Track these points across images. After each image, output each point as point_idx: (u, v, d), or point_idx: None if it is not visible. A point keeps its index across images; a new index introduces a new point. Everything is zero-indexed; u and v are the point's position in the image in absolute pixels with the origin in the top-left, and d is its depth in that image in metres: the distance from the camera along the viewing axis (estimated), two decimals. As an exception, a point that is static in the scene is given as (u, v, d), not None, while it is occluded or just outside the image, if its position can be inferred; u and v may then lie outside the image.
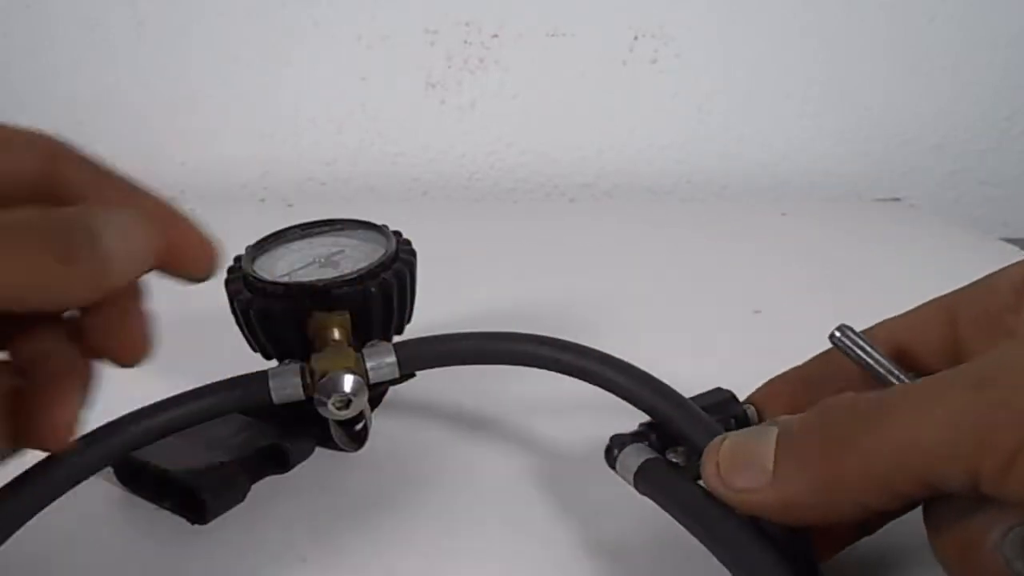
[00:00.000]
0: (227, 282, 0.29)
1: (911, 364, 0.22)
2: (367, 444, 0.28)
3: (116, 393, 0.22)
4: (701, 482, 0.21)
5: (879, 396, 0.18)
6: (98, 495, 0.26)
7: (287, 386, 0.25)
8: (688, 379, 0.27)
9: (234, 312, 0.29)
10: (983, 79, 0.70)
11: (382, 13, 0.64)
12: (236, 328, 0.29)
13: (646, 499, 0.23)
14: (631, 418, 0.25)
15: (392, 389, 0.31)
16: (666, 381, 0.25)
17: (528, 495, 0.27)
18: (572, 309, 0.41)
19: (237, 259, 0.30)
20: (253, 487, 0.27)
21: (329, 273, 0.28)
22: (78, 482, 0.22)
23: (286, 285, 0.27)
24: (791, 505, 0.18)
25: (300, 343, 0.27)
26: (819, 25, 0.67)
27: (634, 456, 0.23)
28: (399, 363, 0.25)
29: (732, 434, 0.21)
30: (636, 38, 0.66)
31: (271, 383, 0.25)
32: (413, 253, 0.30)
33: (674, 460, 0.23)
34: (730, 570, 0.20)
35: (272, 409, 0.26)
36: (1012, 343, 0.19)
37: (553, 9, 0.65)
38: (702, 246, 0.55)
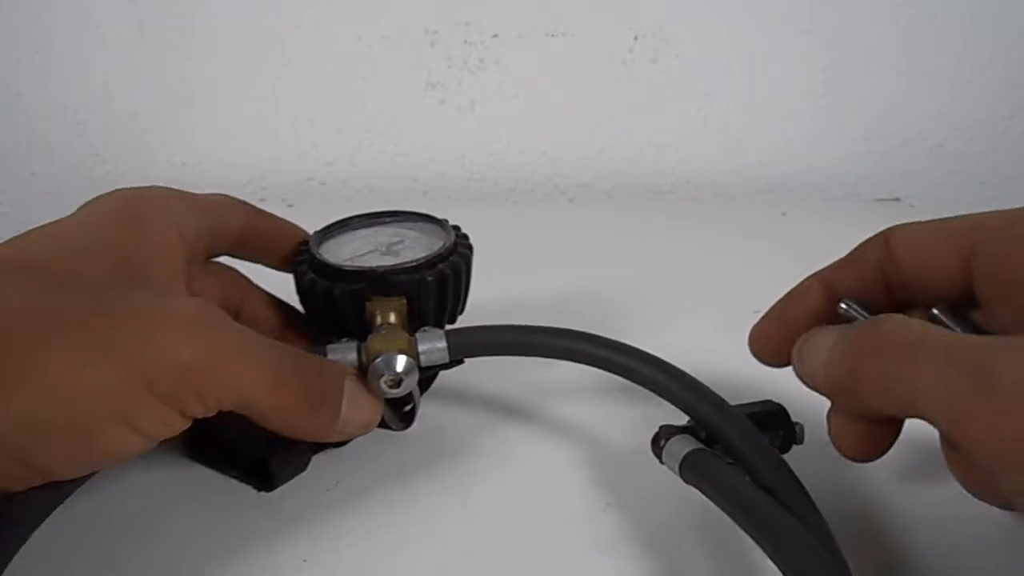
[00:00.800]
0: (294, 263, 0.31)
1: (924, 290, 0.23)
2: (413, 425, 0.30)
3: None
4: None
5: (908, 340, 0.20)
6: (168, 464, 0.28)
7: (343, 362, 0.26)
8: (688, 379, 0.27)
9: (299, 291, 0.31)
10: (983, 79, 0.70)
11: (382, 13, 0.64)
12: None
13: (681, 490, 0.23)
14: (668, 413, 0.26)
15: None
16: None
17: (535, 501, 0.28)
18: (572, 309, 0.41)
19: (304, 242, 0.32)
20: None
21: (389, 261, 0.30)
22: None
23: (349, 269, 0.29)
24: (833, 392, 0.22)
25: (358, 324, 0.29)
26: (819, 25, 0.67)
27: (680, 446, 0.24)
28: (449, 349, 0.27)
29: (813, 330, 0.24)
30: (636, 38, 0.66)
31: (329, 358, 0.26)
32: (470, 247, 0.32)
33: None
34: (772, 558, 0.21)
35: None
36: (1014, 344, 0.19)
37: (553, 9, 0.65)
38: (702, 246, 0.55)
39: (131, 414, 0.20)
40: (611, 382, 0.28)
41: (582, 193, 0.70)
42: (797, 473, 0.24)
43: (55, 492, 0.21)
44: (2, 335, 0.20)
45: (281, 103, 0.66)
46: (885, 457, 0.22)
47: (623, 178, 0.70)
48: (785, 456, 0.25)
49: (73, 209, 0.27)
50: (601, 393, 0.32)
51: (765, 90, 0.69)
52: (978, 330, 0.22)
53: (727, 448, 0.24)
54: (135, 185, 0.29)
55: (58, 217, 0.26)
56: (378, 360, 0.26)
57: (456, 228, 0.33)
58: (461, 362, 0.29)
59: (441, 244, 0.31)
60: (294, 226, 0.32)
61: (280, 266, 0.32)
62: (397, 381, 0.26)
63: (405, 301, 0.29)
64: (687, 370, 0.27)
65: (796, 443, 0.27)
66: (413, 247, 0.31)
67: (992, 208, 0.23)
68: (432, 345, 0.27)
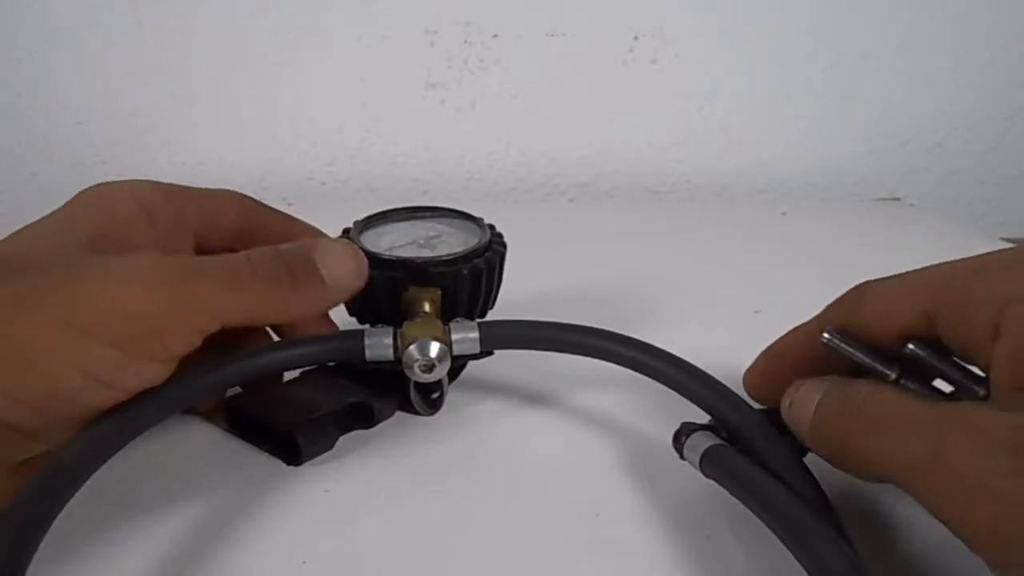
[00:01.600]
0: None
1: (892, 346, 0.24)
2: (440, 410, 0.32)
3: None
4: None
5: (875, 411, 0.21)
6: (211, 436, 0.30)
7: (379, 346, 0.28)
8: (688, 379, 0.27)
9: None
10: (983, 79, 0.70)
11: (382, 13, 0.64)
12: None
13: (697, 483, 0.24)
14: (689, 410, 0.27)
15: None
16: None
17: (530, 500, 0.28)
18: (571, 309, 0.41)
19: (346, 231, 0.33)
20: (260, 491, 0.28)
21: (426, 253, 0.31)
22: (195, 400, 0.27)
23: (388, 258, 0.30)
24: (821, 451, 0.23)
25: (394, 311, 0.30)
26: (819, 25, 0.67)
27: (701, 441, 0.25)
28: (480, 339, 0.29)
29: (800, 383, 0.25)
30: (636, 38, 0.66)
31: (366, 341, 0.28)
32: (504, 245, 0.33)
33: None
34: (793, 552, 0.21)
35: (361, 372, 0.30)
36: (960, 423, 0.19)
37: (553, 9, 0.65)
38: (702, 246, 0.55)
39: (85, 364, 0.22)
40: (633, 378, 0.29)
41: (582, 193, 0.70)
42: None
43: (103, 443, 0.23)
44: None
45: (281, 103, 0.66)
46: None
47: (623, 178, 0.70)
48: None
49: None
50: (622, 389, 0.33)
51: (765, 90, 0.69)
52: (955, 364, 0.23)
53: (748, 447, 0.25)
54: None
55: None
56: (412, 346, 0.27)
57: (491, 227, 0.34)
58: (491, 353, 0.30)
59: (477, 240, 0.32)
60: (306, 225, 0.33)
61: None
62: (430, 366, 0.27)
63: (440, 292, 0.30)
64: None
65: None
66: (449, 242, 0.32)
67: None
68: (465, 335, 0.28)
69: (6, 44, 0.64)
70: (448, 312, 0.30)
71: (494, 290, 0.33)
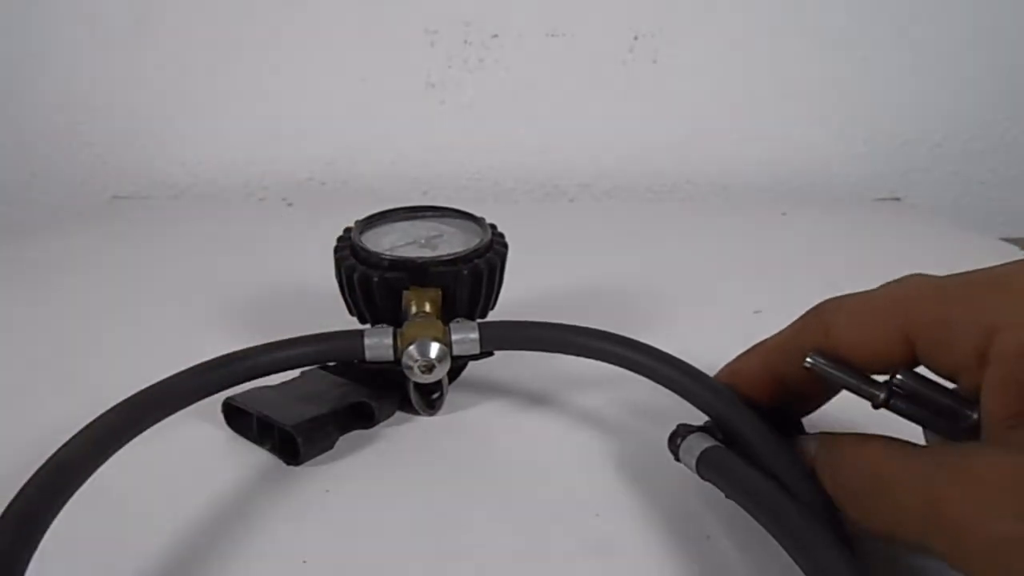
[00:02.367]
0: (336, 249, 0.32)
1: (867, 367, 0.23)
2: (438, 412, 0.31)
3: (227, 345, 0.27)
4: None
5: (865, 473, 0.21)
6: (211, 435, 0.30)
7: (379, 346, 0.28)
8: (688, 379, 0.27)
9: (339, 277, 0.32)
10: (983, 79, 0.70)
11: (382, 13, 0.64)
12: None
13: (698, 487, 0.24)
14: (686, 410, 0.27)
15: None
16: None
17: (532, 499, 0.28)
18: (572, 310, 0.41)
19: (347, 230, 0.33)
20: (258, 493, 0.28)
21: (427, 253, 0.31)
22: (190, 403, 0.26)
23: (389, 258, 0.30)
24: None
25: (394, 311, 0.30)
26: (819, 25, 0.67)
27: (697, 443, 0.25)
28: (481, 340, 0.28)
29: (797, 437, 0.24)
30: (636, 38, 0.66)
31: (366, 341, 0.28)
32: (505, 246, 0.33)
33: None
34: (791, 554, 0.21)
35: (361, 372, 0.30)
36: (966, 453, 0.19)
37: (553, 9, 0.65)
38: (702, 246, 0.55)
39: None
40: (632, 379, 0.28)
41: (582, 193, 0.70)
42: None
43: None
44: None
45: (281, 103, 0.66)
46: None
47: (623, 178, 0.70)
48: None
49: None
50: (622, 389, 0.33)
51: (765, 90, 0.69)
52: (944, 391, 0.22)
53: (745, 449, 0.24)
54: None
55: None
56: (412, 346, 0.27)
57: (493, 226, 0.33)
58: (491, 354, 0.30)
59: (478, 241, 0.32)
60: None
61: None
62: (430, 367, 0.27)
63: (440, 292, 0.30)
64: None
65: None
66: (450, 242, 0.32)
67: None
68: (465, 335, 0.28)
69: (5, 44, 0.64)
70: (449, 312, 0.30)
71: (495, 290, 0.32)
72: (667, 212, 0.65)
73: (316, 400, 0.30)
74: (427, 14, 0.65)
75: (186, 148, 0.67)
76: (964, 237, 0.59)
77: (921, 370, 0.22)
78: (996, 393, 0.19)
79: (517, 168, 0.69)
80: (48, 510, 0.20)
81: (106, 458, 0.23)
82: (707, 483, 0.24)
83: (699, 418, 0.27)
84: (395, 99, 0.67)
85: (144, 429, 0.24)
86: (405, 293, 0.30)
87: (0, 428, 0.31)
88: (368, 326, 0.30)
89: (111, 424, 0.23)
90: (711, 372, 0.27)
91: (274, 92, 0.66)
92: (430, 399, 0.31)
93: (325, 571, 0.24)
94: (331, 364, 0.32)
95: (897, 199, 0.69)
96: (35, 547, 0.19)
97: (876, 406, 0.23)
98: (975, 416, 0.21)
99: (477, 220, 0.34)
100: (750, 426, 0.25)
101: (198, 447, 0.30)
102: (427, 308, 0.29)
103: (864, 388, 0.23)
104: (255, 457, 0.29)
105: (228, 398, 0.30)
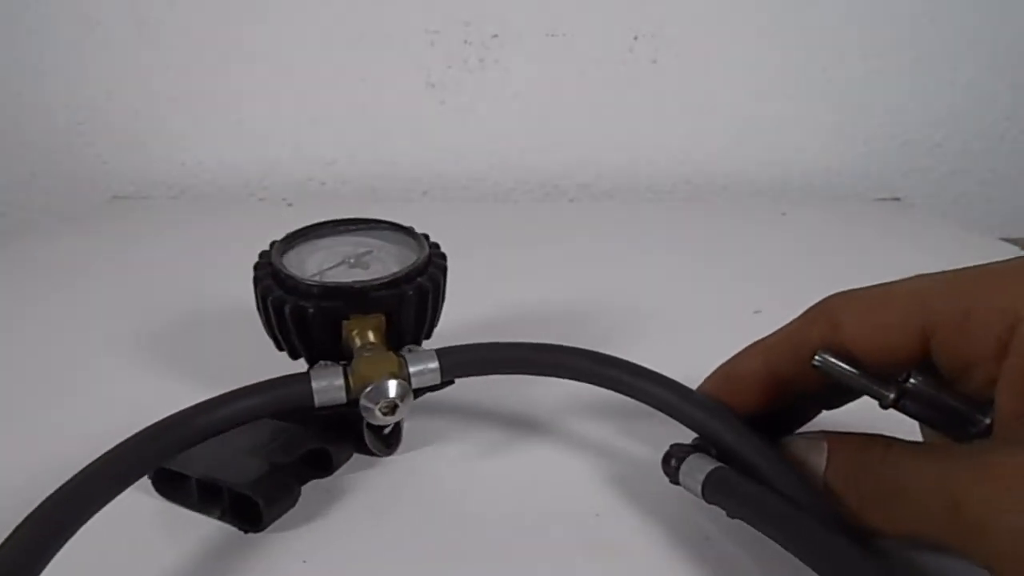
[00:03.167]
0: (256, 279, 0.29)
1: (877, 364, 0.22)
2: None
3: (135, 399, 0.22)
4: None
5: (887, 475, 0.20)
6: (136, 507, 0.25)
7: (329, 389, 0.24)
8: (688, 380, 0.27)
9: (264, 311, 0.28)
10: (983, 79, 0.70)
11: (382, 13, 0.64)
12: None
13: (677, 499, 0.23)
14: (664, 424, 0.25)
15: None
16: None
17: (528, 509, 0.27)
18: (572, 310, 0.41)
19: (263, 254, 0.29)
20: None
21: (360, 274, 0.28)
22: (122, 490, 0.21)
23: (322, 286, 0.27)
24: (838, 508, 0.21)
25: (334, 344, 0.27)
26: (818, 25, 0.67)
27: (699, 466, 0.23)
28: (441, 369, 0.26)
29: (788, 441, 0.23)
30: (636, 38, 0.66)
31: (313, 384, 0.24)
32: (444, 257, 0.30)
33: None
34: (812, 567, 0.20)
35: (305, 414, 0.25)
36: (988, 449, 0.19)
37: (553, 9, 0.65)
38: (702, 246, 0.55)
39: None
40: (607, 395, 0.27)
41: (582, 193, 0.70)
42: None
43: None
44: None
45: (281, 103, 0.66)
46: None
47: (623, 178, 0.70)
48: None
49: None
50: (595, 405, 0.32)
51: (765, 90, 0.69)
52: (957, 394, 0.21)
53: (743, 466, 0.23)
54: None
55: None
56: (369, 389, 0.24)
57: (426, 236, 0.30)
58: (452, 382, 0.27)
59: (415, 255, 0.29)
60: None
61: None
62: (392, 407, 0.24)
63: (384, 318, 0.27)
64: (688, 371, 0.27)
65: None
66: (382, 258, 0.29)
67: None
68: (424, 366, 0.25)
69: (6, 44, 0.64)
70: (394, 338, 0.27)
71: (439, 308, 0.30)
72: (667, 212, 0.65)
73: (263, 451, 0.26)
74: (427, 14, 0.65)
75: (186, 148, 0.67)
76: (964, 237, 0.59)
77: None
78: (1014, 386, 0.19)
79: (517, 168, 0.69)
80: None
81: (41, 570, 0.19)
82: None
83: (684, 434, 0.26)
84: (395, 99, 0.67)
85: (79, 527, 0.20)
86: (345, 323, 0.27)
87: (2, 433, 0.31)
88: (303, 362, 0.27)
89: (40, 529, 0.19)
90: (709, 372, 0.27)
91: (274, 92, 0.66)
92: (384, 437, 0.28)
93: (324, 572, 0.24)
94: None
95: (897, 199, 0.69)
96: None
97: (884, 406, 0.22)
98: (987, 420, 0.21)
99: (408, 231, 0.31)
100: (742, 440, 0.24)
101: (139, 529, 0.25)
102: (371, 337, 0.26)
103: (874, 388, 0.22)
104: (203, 529, 0.25)
105: None
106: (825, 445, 0.22)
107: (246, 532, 0.25)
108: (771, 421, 0.25)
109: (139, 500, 0.25)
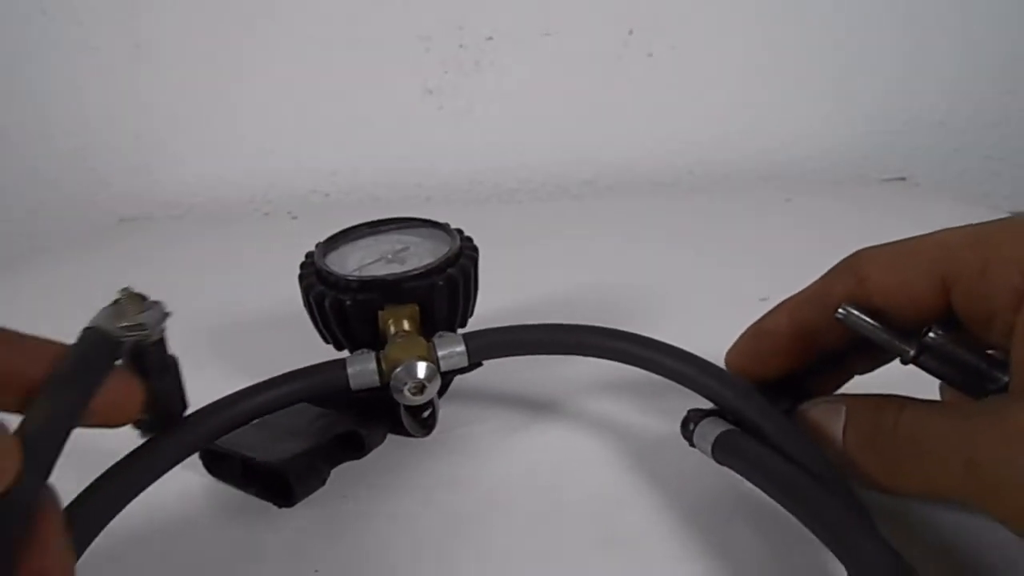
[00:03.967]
0: (301, 277, 0.31)
1: (901, 317, 0.23)
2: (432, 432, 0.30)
3: (198, 390, 0.25)
4: None
5: (906, 435, 0.21)
6: (187, 482, 0.28)
7: (363, 373, 0.26)
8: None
9: (308, 305, 0.30)
10: (982, 54, 0.70)
11: (376, 23, 0.65)
12: (303, 326, 0.31)
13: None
14: (686, 400, 0.26)
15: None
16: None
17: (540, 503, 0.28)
18: (581, 303, 0.41)
19: (309, 255, 0.32)
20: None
21: (397, 268, 0.30)
22: (172, 466, 0.24)
23: (359, 279, 0.29)
24: (851, 476, 0.22)
25: (371, 333, 0.29)
26: (815, 6, 0.67)
27: (711, 428, 0.24)
28: (468, 352, 0.27)
29: (810, 405, 0.24)
30: (630, 32, 0.66)
31: (349, 370, 0.26)
32: (475, 249, 0.32)
33: None
34: (816, 533, 0.21)
35: (344, 399, 0.28)
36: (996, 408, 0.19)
37: (546, 8, 0.65)
38: (707, 235, 0.55)
39: None
40: (628, 372, 0.28)
41: (585, 190, 0.70)
42: None
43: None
44: None
45: (281, 117, 0.67)
46: None
47: (625, 172, 0.70)
48: None
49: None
50: (620, 385, 0.32)
51: (763, 75, 0.69)
52: (976, 351, 0.22)
53: (756, 431, 0.24)
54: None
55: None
56: (399, 369, 0.26)
57: (459, 231, 0.32)
58: (480, 365, 0.29)
59: (447, 248, 0.30)
60: (46, 344, 0.22)
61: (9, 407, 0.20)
62: (420, 387, 0.26)
63: (417, 308, 0.29)
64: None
65: None
66: (419, 253, 0.31)
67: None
68: (451, 349, 0.27)
69: (6, 72, 0.64)
70: (428, 327, 0.29)
71: (472, 297, 0.31)
72: (671, 203, 0.65)
73: (301, 435, 0.28)
74: (420, 21, 0.65)
75: (189, 167, 0.68)
76: (972, 213, 0.58)
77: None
78: None
79: (519, 168, 0.69)
80: None
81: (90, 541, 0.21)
82: (720, 473, 0.24)
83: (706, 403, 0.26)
84: (394, 107, 0.67)
85: (130, 501, 0.23)
86: (380, 313, 0.28)
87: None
88: (346, 352, 0.29)
89: (95, 504, 0.22)
90: (719, 361, 0.27)
91: (273, 107, 0.66)
92: (422, 419, 0.30)
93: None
94: None
95: (902, 179, 0.69)
96: None
97: (905, 362, 0.22)
98: (1006, 378, 0.21)
99: (442, 227, 0.33)
100: (757, 410, 0.24)
101: (180, 501, 0.28)
102: (406, 326, 0.28)
103: (895, 343, 0.22)
104: (243, 503, 0.27)
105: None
106: (843, 407, 0.23)
107: (279, 507, 0.27)
108: (797, 385, 0.25)
109: (190, 479, 0.28)
